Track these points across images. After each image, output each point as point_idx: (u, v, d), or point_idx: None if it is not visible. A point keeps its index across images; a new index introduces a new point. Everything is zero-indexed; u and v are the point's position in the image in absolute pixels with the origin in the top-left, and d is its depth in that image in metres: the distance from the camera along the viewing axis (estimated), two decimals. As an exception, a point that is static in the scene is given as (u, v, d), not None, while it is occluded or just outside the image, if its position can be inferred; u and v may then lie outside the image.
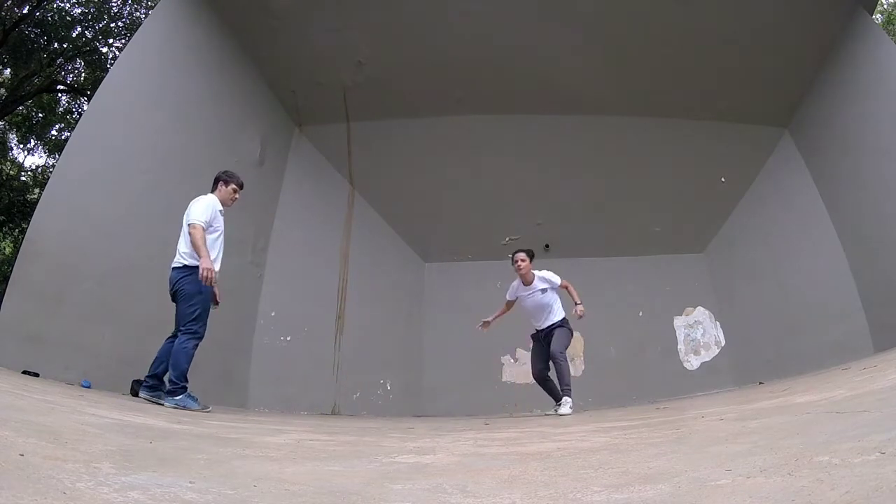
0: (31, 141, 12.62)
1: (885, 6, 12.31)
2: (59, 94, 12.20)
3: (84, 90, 11.34)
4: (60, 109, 12.36)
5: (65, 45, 10.86)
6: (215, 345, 5.45)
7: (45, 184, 5.67)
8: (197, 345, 3.42)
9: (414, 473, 1.36)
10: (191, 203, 3.61)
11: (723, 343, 7.04)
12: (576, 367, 7.17)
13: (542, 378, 4.72)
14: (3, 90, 11.42)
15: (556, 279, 4.86)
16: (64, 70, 11.66)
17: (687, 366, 7.04)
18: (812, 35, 5.78)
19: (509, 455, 1.69)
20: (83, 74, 11.72)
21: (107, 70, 8.65)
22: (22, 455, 1.03)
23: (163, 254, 4.82)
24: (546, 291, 4.79)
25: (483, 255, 7.59)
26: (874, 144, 5.43)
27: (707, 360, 7.02)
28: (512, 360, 7.23)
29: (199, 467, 1.26)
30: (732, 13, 5.63)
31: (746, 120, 6.62)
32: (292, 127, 6.95)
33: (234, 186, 3.81)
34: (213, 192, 3.75)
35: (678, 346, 7.12)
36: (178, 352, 3.32)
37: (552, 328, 4.70)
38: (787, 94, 6.38)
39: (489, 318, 5.01)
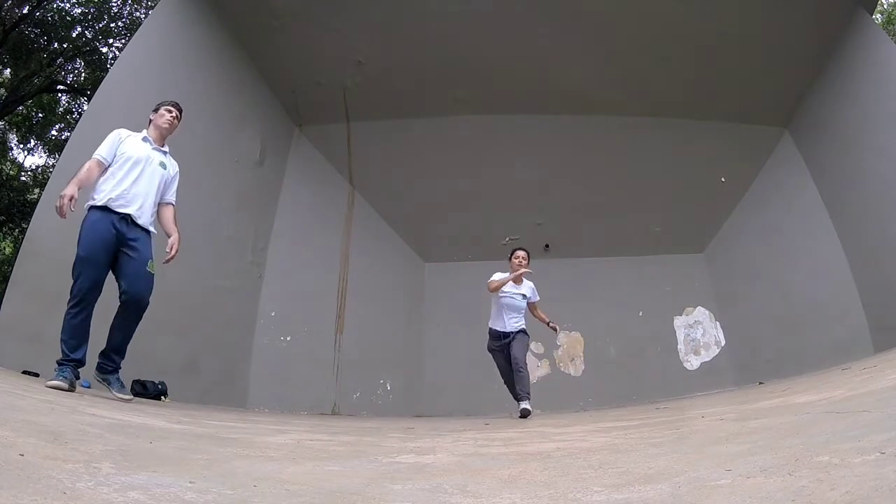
0: (31, 141, 12.64)
1: (885, 6, 12.32)
2: (59, 94, 12.22)
3: (84, 90, 11.35)
4: (60, 109, 12.38)
5: (65, 45, 10.87)
6: (215, 345, 5.47)
7: (45, 184, 5.68)
8: (73, 306, 2.82)
9: (414, 473, 1.36)
10: None
11: (723, 343, 7.04)
12: (576, 367, 7.17)
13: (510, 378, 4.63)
14: (3, 90, 11.43)
15: (538, 296, 4.94)
16: (64, 70, 11.68)
17: (687, 366, 7.03)
18: (812, 35, 5.78)
19: (509, 455, 1.69)
20: (83, 74, 11.74)
21: (107, 70, 8.65)
22: (22, 455, 1.03)
23: (163, 254, 4.82)
24: (525, 298, 4.83)
25: (483, 255, 7.57)
26: (874, 144, 5.43)
27: (707, 360, 7.02)
28: (512, 360, 7.22)
29: (199, 467, 1.26)
30: (733, 13, 5.63)
31: (746, 120, 6.63)
32: (292, 127, 6.95)
33: (164, 109, 3.26)
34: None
35: (678, 346, 7.12)
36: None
37: (517, 333, 4.70)
38: (787, 94, 6.38)
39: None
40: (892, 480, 0.81)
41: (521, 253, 4.91)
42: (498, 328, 4.80)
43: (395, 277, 7.48)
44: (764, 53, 5.92)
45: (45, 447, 1.17)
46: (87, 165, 2.96)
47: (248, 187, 6.12)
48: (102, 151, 3.03)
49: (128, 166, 3.04)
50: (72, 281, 2.88)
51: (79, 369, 2.79)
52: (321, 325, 6.57)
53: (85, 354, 2.82)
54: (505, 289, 4.79)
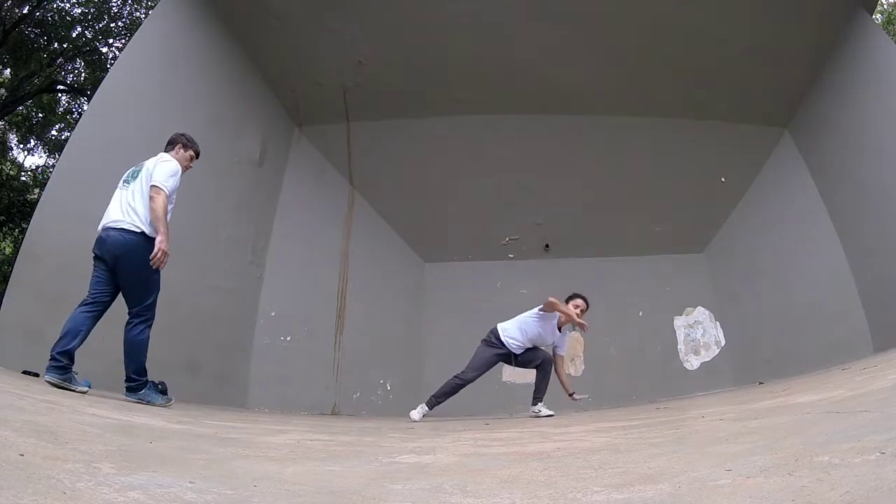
0: (31, 141, 12.66)
1: (885, 6, 12.32)
2: (59, 94, 12.23)
3: (84, 90, 11.37)
4: (60, 109, 12.39)
5: (65, 45, 10.89)
6: (215, 345, 5.47)
7: (45, 184, 5.67)
8: (149, 326, 3.10)
9: (414, 473, 1.36)
10: (151, 161, 3.09)
11: (723, 343, 7.04)
12: (576, 367, 7.17)
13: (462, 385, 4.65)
14: (3, 90, 11.44)
15: (564, 348, 4.83)
16: (64, 70, 11.69)
17: (687, 366, 7.03)
18: (812, 35, 5.78)
19: (509, 455, 1.69)
20: (83, 74, 11.75)
21: (107, 70, 8.65)
22: (22, 455, 1.03)
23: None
24: (553, 345, 4.72)
25: (483, 255, 7.59)
26: (874, 144, 5.43)
27: (707, 360, 7.02)
28: (512, 360, 7.23)
29: (199, 467, 1.26)
30: (732, 13, 5.63)
31: (746, 120, 6.62)
32: (292, 127, 6.95)
33: (192, 153, 3.34)
34: (167, 152, 3.27)
35: (678, 346, 7.12)
36: (137, 343, 2.98)
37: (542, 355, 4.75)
38: (787, 94, 6.37)
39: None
40: (892, 480, 0.81)
41: (580, 302, 4.59)
42: (508, 345, 4.64)
43: (396, 277, 7.48)
44: (764, 53, 5.92)
45: (45, 447, 1.17)
46: (164, 204, 2.94)
47: (248, 187, 6.12)
48: (172, 184, 3.02)
49: (171, 206, 3.08)
50: (150, 300, 3.07)
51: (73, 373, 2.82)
52: (321, 325, 6.57)
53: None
54: (550, 331, 4.61)
